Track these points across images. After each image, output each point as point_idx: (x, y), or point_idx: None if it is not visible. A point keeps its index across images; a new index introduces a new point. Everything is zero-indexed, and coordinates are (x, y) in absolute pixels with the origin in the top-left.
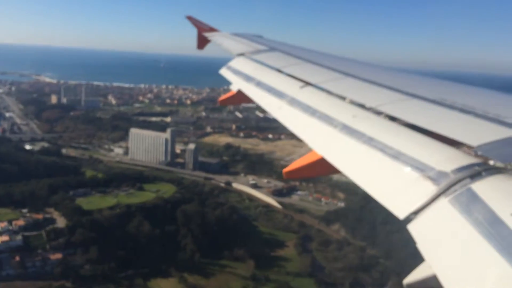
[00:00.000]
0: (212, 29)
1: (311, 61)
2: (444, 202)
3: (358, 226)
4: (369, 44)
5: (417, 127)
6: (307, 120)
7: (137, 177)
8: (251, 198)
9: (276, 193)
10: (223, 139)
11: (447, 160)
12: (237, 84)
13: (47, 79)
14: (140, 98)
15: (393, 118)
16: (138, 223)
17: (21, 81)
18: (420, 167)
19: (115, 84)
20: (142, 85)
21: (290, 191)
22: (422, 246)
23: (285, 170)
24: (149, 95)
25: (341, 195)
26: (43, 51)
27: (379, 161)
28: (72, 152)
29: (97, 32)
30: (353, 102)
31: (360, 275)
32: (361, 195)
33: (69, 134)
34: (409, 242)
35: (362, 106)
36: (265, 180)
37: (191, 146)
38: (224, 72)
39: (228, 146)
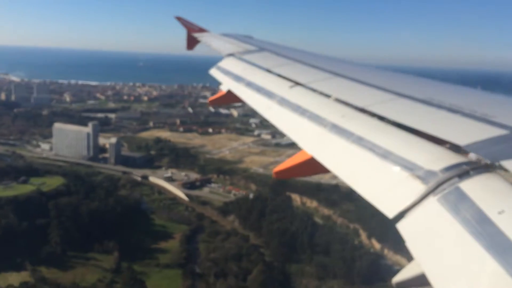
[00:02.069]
0: (201, 30)
1: (300, 61)
2: (432, 201)
3: (249, 217)
4: (341, 39)
5: (405, 127)
6: (296, 120)
7: (26, 171)
8: (162, 191)
9: (188, 186)
10: (160, 134)
11: (436, 159)
12: (227, 84)
13: (14, 78)
14: (98, 95)
15: (382, 118)
16: (1, 216)
17: None
18: (409, 166)
19: (80, 82)
20: (108, 83)
21: (204, 183)
22: (411, 244)
23: (275, 170)
24: (109, 92)
25: (253, 186)
26: (23, 51)
27: (368, 160)
28: None
29: (82, 32)
30: (342, 102)
31: (230, 265)
32: (270, 186)
33: (2, 130)
34: (290, 229)
35: (351, 105)
36: (183, 173)
37: (113, 140)
38: (213, 72)
39: (158, 140)
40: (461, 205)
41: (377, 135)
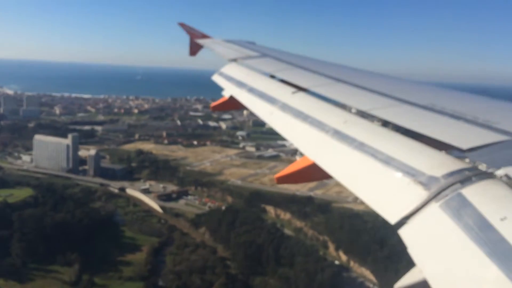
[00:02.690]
0: (204, 36)
1: (302, 67)
2: (434, 207)
3: (219, 229)
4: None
5: (408, 132)
6: (298, 126)
7: None
8: (138, 203)
9: (164, 198)
10: (144, 146)
11: (438, 165)
12: (229, 90)
13: (7, 91)
14: (89, 107)
15: (384, 124)
16: None
17: None
18: (411, 172)
19: (74, 95)
20: (102, 96)
21: (180, 195)
22: (413, 251)
23: (277, 176)
24: (100, 105)
25: (229, 198)
26: (21, 65)
27: (370, 166)
28: None
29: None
30: (344, 108)
31: (193, 278)
32: (246, 198)
33: None
34: (257, 241)
35: (353, 111)
36: (161, 185)
37: (92, 152)
38: (216, 78)
39: (140, 153)
40: (463, 211)
41: (379, 141)
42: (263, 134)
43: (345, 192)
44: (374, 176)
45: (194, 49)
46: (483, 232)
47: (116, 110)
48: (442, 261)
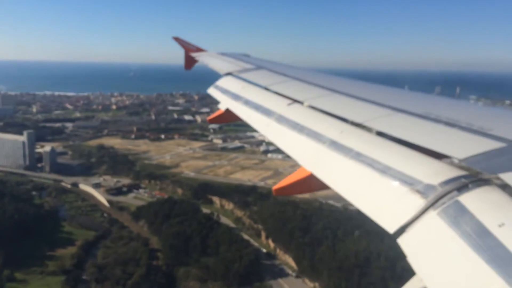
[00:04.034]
0: (199, 49)
1: (298, 79)
2: (432, 215)
3: (155, 221)
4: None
5: (404, 142)
6: (295, 137)
7: None
8: (87, 198)
9: (114, 192)
10: (110, 141)
11: (434, 173)
12: (225, 103)
13: None
14: (67, 105)
15: (380, 133)
16: None
17: None
18: (408, 181)
19: (57, 93)
20: (86, 93)
21: (131, 189)
22: (412, 259)
23: (275, 187)
24: (81, 102)
25: (180, 191)
26: (14, 65)
27: (368, 176)
28: None
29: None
30: (340, 118)
31: (116, 270)
32: (194, 189)
33: None
34: (187, 232)
35: (349, 122)
36: (115, 180)
37: (47, 148)
38: (212, 91)
39: (100, 148)
40: (461, 219)
41: (376, 150)
42: (237, 127)
43: None
44: (371, 185)
45: (189, 63)
46: (482, 239)
47: (94, 107)
48: (442, 269)
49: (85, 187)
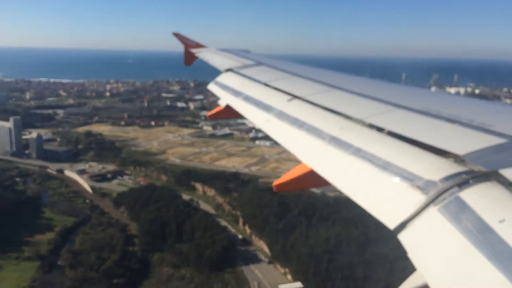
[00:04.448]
0: (199, 45)
1: (298, 75)
2: (433, 211)
3: (135, 207)
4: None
5: (404, 138)
6: (295, 133)
7: None
8: (71, 184)
9: (99, 178)
10: (100, 128)
11: (435, 169)
12: (225, 99)
13: None
14: (61, 92)
15: (380, 129)
16: None
17: None
18: (409, 177)
19: (52, 80)
20: (81, 80)
21: (116, 175)
22: (413, 255)
23: (275, 183)
24: (75, 89)
25: (164, 177)
26: (12, 52)
27: (368, 171)
28: None
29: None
30: (340, 114)
31: (91, 256)
32: (177, 176)
33: None
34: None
35: (349, 117)
36: (100, 166)
37: (34, 135)
38: (212, 87)
39: (89, 134)
40: (461, 215)
41: (376, 146)
42: None
43: (281, 167)
44: (371, 181)
45: (189, 59)
46: (482, 235)
47: (88, 93)
48: (443, 265)
49: (70, 173)
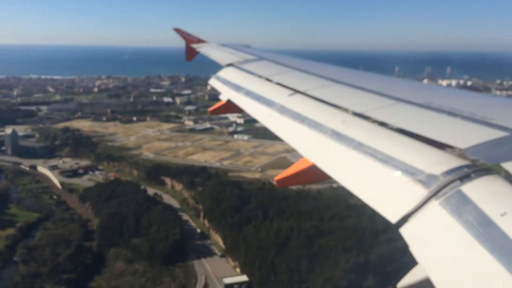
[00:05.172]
0: (200, 40)
1: (299, 69)
2: (435, 205)
3: (98, 202)
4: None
5: (406, 132)
6: (297, 128)
7: None
8: (43, 180)
9: (70, 174)
10: (80, 124)
11: (437, 163)
12: (226, 94)
13: None
14: (49, 88)
15: (382, 123)
16: None
17: None
18: (410, 171)
19: (43, 77)
20: (72, 77)
21: (87, 171)
22: (415, 249)
23: (277, 178)
24: (64, 85)
25: (135, 172)
26: (9, 49)
27: (370, 166)
28: None
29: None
30: (341, 109)
31: (45, 251)
32: (147, 170)
33: None
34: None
35: (351, 112)
36: (74, 162)
37: (8, 131)
38: (213, 82)
39: (66, 130)
40: (463, 208)
41: (378, 140)
42: None
43: (254, 161)
44: (373, 175)
45: (190, 54)
46: (484, 228)
47: (76, 89)
48: (444, 259)
49: (43, 169)
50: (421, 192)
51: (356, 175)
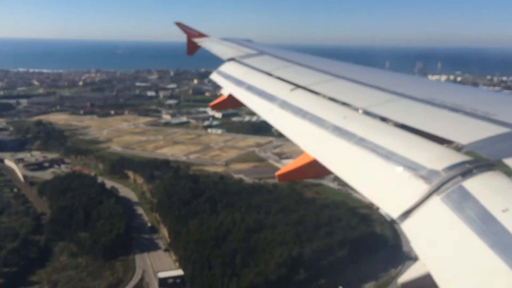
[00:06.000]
0: (201, 35)
1: (300, 64)
2: (436, 201)
3: (53, 195)
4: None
5: (408, 127)
6: (298, 123)
7: None
8: (7, 173)
9: (35, 167)
10: (56, 117)
11: (438, 159)
12: (227, 89)
13: None
14: (34, 81)
15: (383, 119)
16: None
17: None
18: (412, 166)
19: (32, 70)
20: (61, 70)
21: (53, 164)
22: (416, 244)
23: (278, 173)
24: (50, 78)
25: (101, 166)
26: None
27: (371, 161)
28: None
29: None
30: (343, 104)
31: None
32: (113, 163)
33: None
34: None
35: (352, 107)
36: (43, 155)
37: None
38: (214, 76)
39: (39, 123)
40: (465, 204)
41: (380, 136)
42: (196, 102)
43: (222, 155)
44: (375, 171)
45: (192, 48)
46: (485, 224)
47: (61, 83)
48: (445, 254)
49: (9, 162)
50: (422, 188)
51: (357, 171)
